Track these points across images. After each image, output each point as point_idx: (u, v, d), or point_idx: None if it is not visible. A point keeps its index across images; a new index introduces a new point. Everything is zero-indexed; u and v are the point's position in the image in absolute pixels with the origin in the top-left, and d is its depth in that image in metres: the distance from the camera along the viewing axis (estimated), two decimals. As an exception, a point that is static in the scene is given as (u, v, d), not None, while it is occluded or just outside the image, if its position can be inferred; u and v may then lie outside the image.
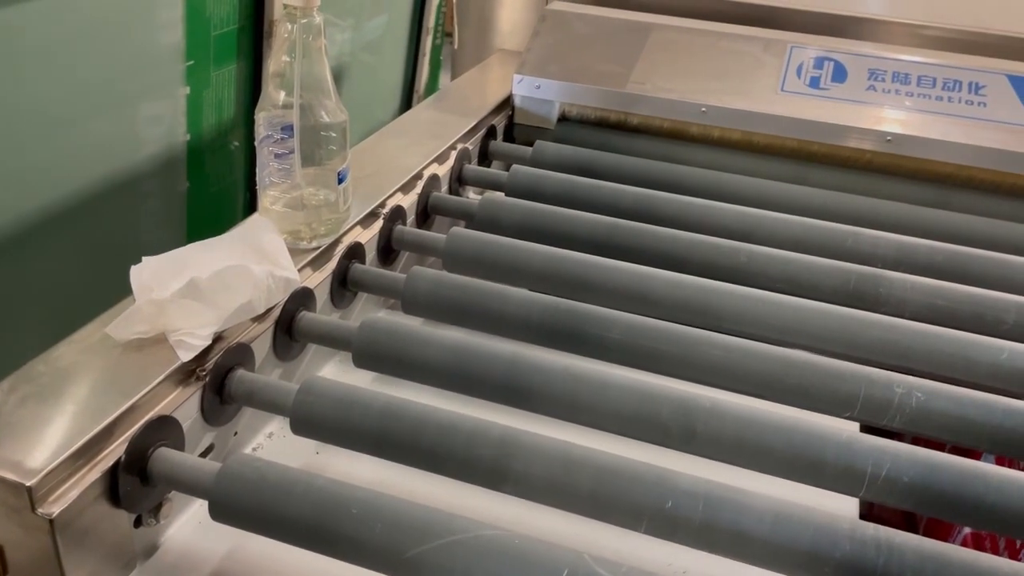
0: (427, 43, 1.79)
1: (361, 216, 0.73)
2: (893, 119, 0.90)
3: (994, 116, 0.88)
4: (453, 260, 0.74)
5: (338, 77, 1.42)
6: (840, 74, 0.94)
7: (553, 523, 0.53)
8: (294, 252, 0.64)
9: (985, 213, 0.85)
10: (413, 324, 0.63)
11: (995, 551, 0.80)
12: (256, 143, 0.65)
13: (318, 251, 0.67)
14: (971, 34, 1.00)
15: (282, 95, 0.63)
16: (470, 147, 0.93)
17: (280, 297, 0.60)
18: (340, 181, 0.67)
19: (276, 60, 0.62)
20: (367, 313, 0.75)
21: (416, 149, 0.86)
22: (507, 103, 1.03)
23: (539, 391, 0.58)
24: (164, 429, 0.50)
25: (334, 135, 0.66)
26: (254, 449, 0.61)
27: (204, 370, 0.53)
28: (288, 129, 0.63)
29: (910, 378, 0.59)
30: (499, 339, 0.65)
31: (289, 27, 0.61)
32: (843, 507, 0.57)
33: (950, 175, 0.88)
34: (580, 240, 0.78)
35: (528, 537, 0.44)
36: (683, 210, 0.83)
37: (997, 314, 0.69)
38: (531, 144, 0.96)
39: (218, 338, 0.55)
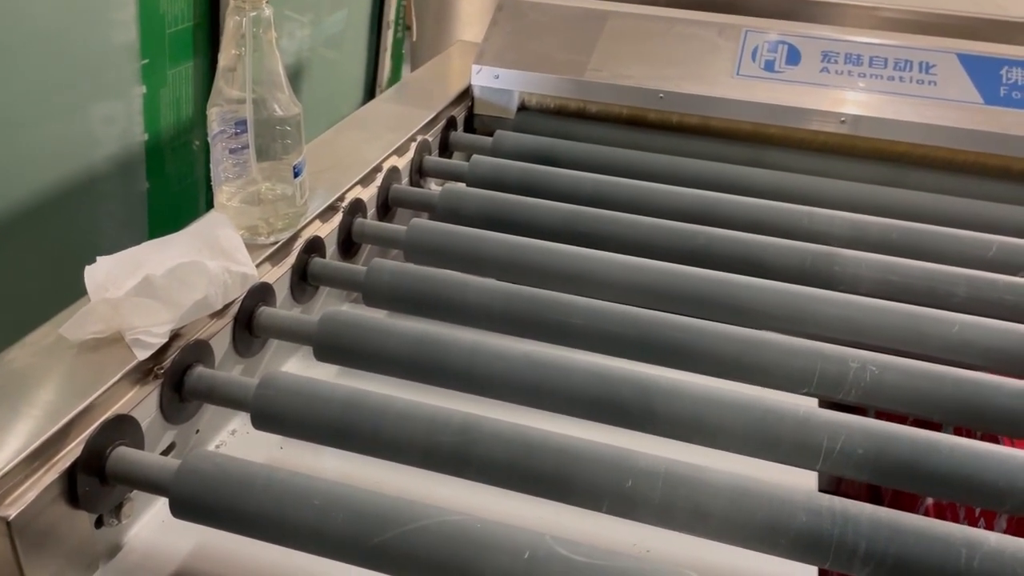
0: (388, 37, 1.78)
1: (320, 210, 0.73)
2: (846, 100, 0.91)
3: (945, 95, 0.90)
4: (414, 251, 0.74)
5: (299, 73, 1.42)
6: (794, 57, 0.95)
7: (516, 507, 0.53)
8: (252, 247, 0.64)
9: (938, 190, 0.86)
10: (374, 316, 0.63)
11: (955, 519, 0.82)
12: (209, 139, 0.64)
13: (276, 246, 0.66)
14: (922, 14, 1.01)
15: (234, 90, 0.62)
16: (430, 138, 0.93)
17: (238, 293, 0.59)
18: (296, 175, 0.67)
19: (226, 54, 0.62)
20: (329, 307, 0.75)
21: (375, 142, 0.86)
22: (466, 94, 1.03)
23: (501, 378, 0.58)
24: (122, 428, 0.50)
25: (289, 129, 0.65)
26: (217, 446, 0.61)
27: (162, 368, 0.53)
28: (242, 124, 0.63)
29: (864, 353, 0.60)
30: (461, 328, 0.65)
31: (238, 20, 0.61)
32: (802, 481, 0.58)
33: (903, 154, 0.90)
34: (541, 228, 0.79)
35: (490, 521, 0.45)
36: (642, 196, 0.84)
37: (949, 288, 0.71)
38: (491, 134, 0.96)
39: (175, 336, 0.55)
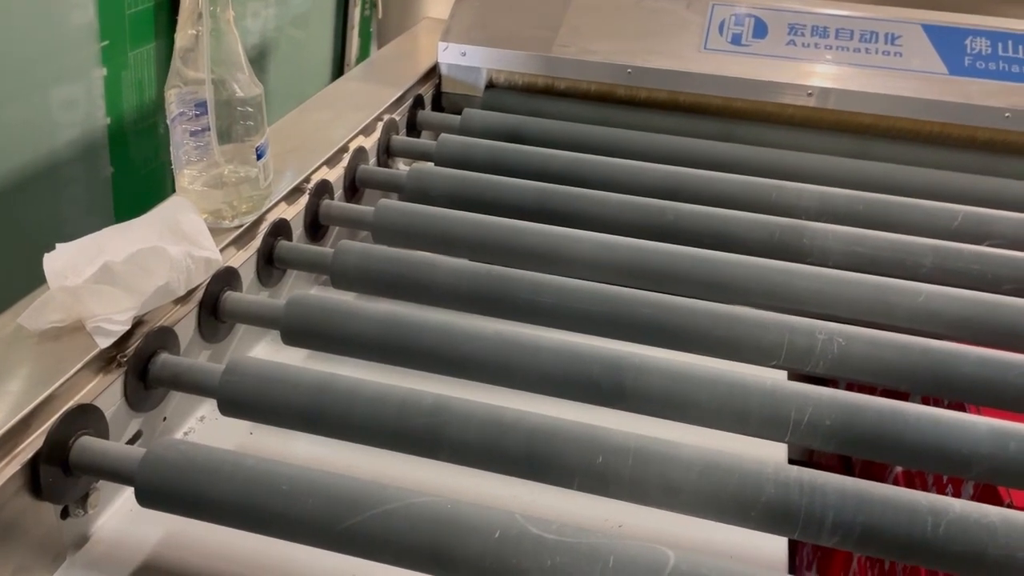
0: (355, 15, 1.75)
1: (286, 192, 0.72)
2: (813, 73, 0.91)
3: (910, 65, 0.90)
4: (382, 233, 0.73)
5: (266, 53, 1.39)
6: (761, 30, 0.95)
7: (490, 487, 0.53)
8: (216, 231, 0.63)
9: (904, 161, 0.87)
10: (342, 299, 0.62)
11: (924, 487, 0.83)
12: (169, 121, 0.63)
13: (241, 229, 0.65)
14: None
15: (192, 71, 0.61)
16: (397, 118, 0.92)
17: (201, 278, 0.58)
18: (259, 157, 0.66)
19: (183, 34, 0.61)
20: (297, 291, 0.74)
21: (341, 122, 0.85)
22: (434, 72, 1.02)
23: (471, 358, 0.58)
24: (85, 418, 0.49)
25: (250, 110, 0.64)
26: (185, 433, 0.60)
27: (125, 356, 0.52)
28: (202, 105, 0.62)
29: (831, 324, 0.60)
30: (431, 309, 0.65)
31: (195, 0, 0.60)
32: (772, 454, 0.58)
33: (870, 125, 0.90)
34: (510, 207, 0.78)
35: (460, 501, 0.45)
36: (611, 172, 0.83)
37: (915, 258, 0.71)
38: (460, 112, 0.95)
39: (139, 323, 0.54)
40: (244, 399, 0.53)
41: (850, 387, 0.87)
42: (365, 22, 1.79)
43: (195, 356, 0.60)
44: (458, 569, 0.43)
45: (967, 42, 0.91)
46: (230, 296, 0.61)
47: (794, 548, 1.13)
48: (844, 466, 1.08)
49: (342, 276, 0.67)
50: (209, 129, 0.62)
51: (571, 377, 0.56)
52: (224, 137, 0.64)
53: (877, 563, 0.88)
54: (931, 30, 0.92)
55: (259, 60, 1.38)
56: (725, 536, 0.51)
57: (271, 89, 1.32)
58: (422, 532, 0.43)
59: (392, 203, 0.75)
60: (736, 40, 0.95)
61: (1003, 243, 0.74)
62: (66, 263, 0.54)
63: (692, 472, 0.48)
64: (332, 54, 1.75)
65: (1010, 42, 0.90)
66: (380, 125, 0.88)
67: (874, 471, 0.93)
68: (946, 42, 0.91)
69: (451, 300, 0.65)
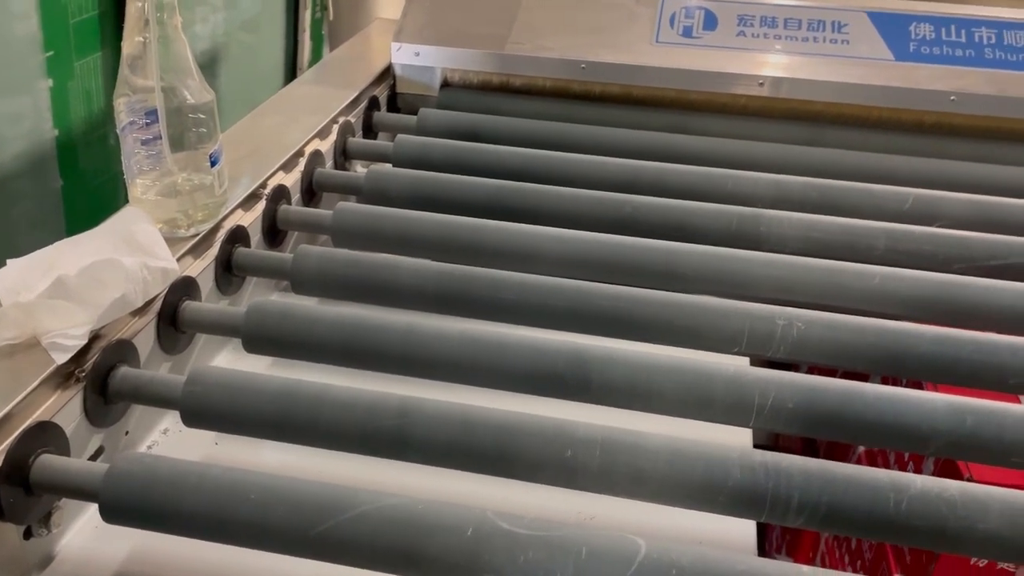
0: (306, 17, 1.74)
1: (242, 199, 0.71)
2: (763, 63, 0.93)
3: (857, 52, 0.92)
4: (342, 236, 0.73)
5: (217, 59, 1.38)
6: (711, 22, 0.96)
7: (461, 486, 0.53)
8: (172, 241, 0.62)
9: (856, 146, 0.88)
10: (303, 304, 0.62)
11: (887, 465, 0.85)
12: (119, 131, 0.62)
13: (198, 238, 0.65)
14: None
15: (140, 79, 0.60)
16: (353, 120, 0.91)
17: (159, 289, 0.58)
18: (213, 164, 0.65)
19: (130, 42, 0.60)
20: (258, 298, 0.73)
21: (295, 126, 0.84)
22: (388, 73, 1.01)
23: (436, 358, 0.58)
24: (45, 435, 0.48)
25: (202, 116, 0.63)
26: (149, 447, 0.59)
27: (83, 371, 0.51)
28: (152, 114, 0.61)
29: (791, 310, 0.61)
30: (394, 311, 0.65)
31: (140, 6, 0.59)
32: (738, 439, 0.59)
33: (821, 112, 0.92)
34: (469, 205, 0.78)
35: (431, 501, 0.45)
36: (569, 167, 0.84)
37: (868, 241, 0.73)
38: (416, 113, 0.95)
39: (96, 336, 0.53)
40: (207, 409, 0.53)
41: (812, 370, 0.88)
42: (316, 24, 1.77)
43: (156, 368, 0.59)
44: (432, 569, 0.43)
45: (912, 28, 0.93)
46: (189, 306, 0.60)
47: (763, 531, 1.15)
48: (809, 449, 1.09)
49: (302, 281, 0.66)
50: (160, 138, 0.61)
51: (537, 372, 0.57)
52: (176, 145, 0.63)
53: (844, 541, 0.90)
54: (876, 17, 0.94)
55: (210, 66, 1.36)
56: (696, 522, 0.52)
57: (223, 95, 1.31)
58: (394, 534, 0.43)
59: (351, 205, 0.74)
60: (687, 32, 0.96)
61: (952, 224, 0.76)
62: (17, 279, 0.52)
63: (659, 460, 0.48)
64: (284, 58, 1.74)
65: (953, 27, 0.93)
66: (336, 128, 0.87)
67: (838, 453, 0.94)
68: (891, 28, 0.93)
69: (414, 301, 0.65)
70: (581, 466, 0.49)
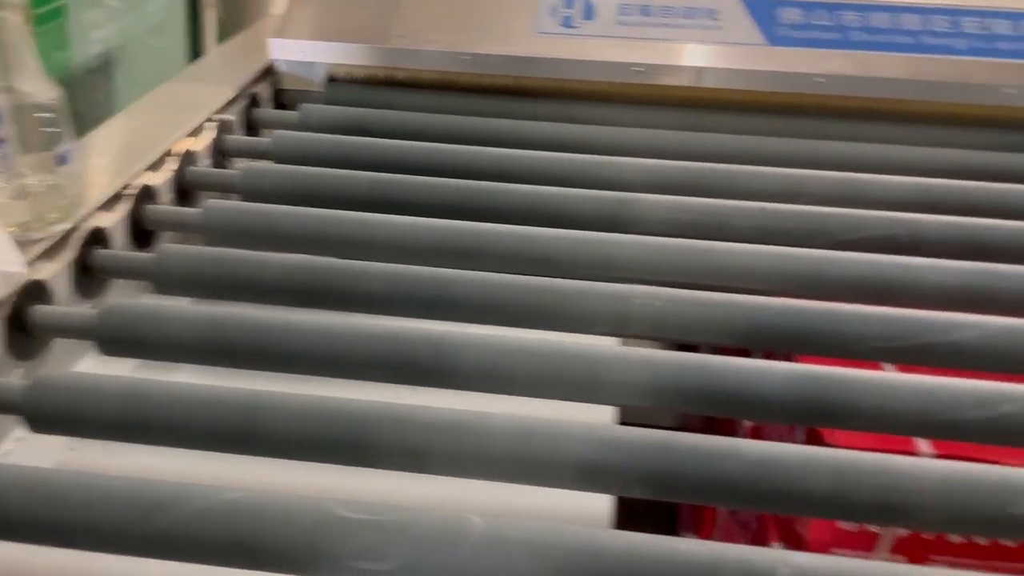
0: (208, 18, 1.71)
1: (105, 199, 0.69)
2: (641, 50, 0.94)
3: (730, 38, 0.94)
4: (213, 234, 0.72)
5: (120, 63, 1.34)
6: (589, 12, 0.97)
7: (318, 479, 0.53)
8: (23, 244, 0.60)
9: (730, 130, 0.91)
10: (161, 303, 0.61)
11: (769, 439, 0.88)
12: (-40, 133, 0.60)
13: (53, 241, 0.63)
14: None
15: (-23, 79, 0.58)
16: (232, 118, 0.90)
17: (4, 293, 0.56)
18: (65, 163, 0.63)
19: (-37, 41, 0.58)
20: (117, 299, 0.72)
21: (167, 124, 0.82)
22: (271, 70, 1.00)
23: (296, 351, 0.58)
24: None
25: (50, 115, 0.62)
26: (4, 455, 0.58)
27: (-85, 380, 0.50)
28: (-7, 115, 0.59)
29: (649, 288, 0.63)
30: (260, 307, 0.64)
31: (-28, 3, 0.57)
32: (600, 416, 0.60)
33: (696, 98, 0.94)
34: (349, 200, 0.78)
35: (272, 494, 0.44)
36: (449, 159, 0.84)
37: (734, 220, 0.75)
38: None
39: (-68, 344, 0.52)
40: (54, 415, 0.51)
41: (689, 348, 0.90)
42: (221, 26, 1.74)
43: (6, 375, 0.58)
44: (269, 560, 0.43)
45: (781, 12, 0.96)
46: (38, 310, 0.58)
47: (675, 511, 1.17)
48: (709, 428, 1.12)
49: (166, 281, 0.65)
50: (4, 140, 0.60)
51: (395, 361, 0.57)
52: (25, 146, 0.61)
53: (735, 514, 0.92)
54: (748, 3, 0.96)
55: (114, 69, 1.32)
56: (551, 500, 0.53)
57: (125, 101, 1.27)
58: (232, 527, 0.43)
59: (222, 203, 0.73)
60: (567, 23, 0.97)
61: (814, 201, 0.78)
62: None
63: (507, 441, 0.49)
64: (188, 60, 1.71)
65: (820, 11, 0.96)
66: (213, 126, 0.86)
67: (726, 428, 0.97)
68: (762, 13, 0.95)
69: (283, 296, 0.65)
70: (430, 450, 0.49)
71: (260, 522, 0.43)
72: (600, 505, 0.54)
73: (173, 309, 0.59)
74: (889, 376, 0.53)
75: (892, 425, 0.52)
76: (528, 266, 0.70)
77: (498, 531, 0.42)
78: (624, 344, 0.62)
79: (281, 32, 0.99)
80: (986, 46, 0.91)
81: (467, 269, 0.66)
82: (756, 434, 0.91)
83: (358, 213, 0.72)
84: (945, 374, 0.56)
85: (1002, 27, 0.92)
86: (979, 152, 0.84)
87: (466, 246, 0.70)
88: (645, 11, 0.97)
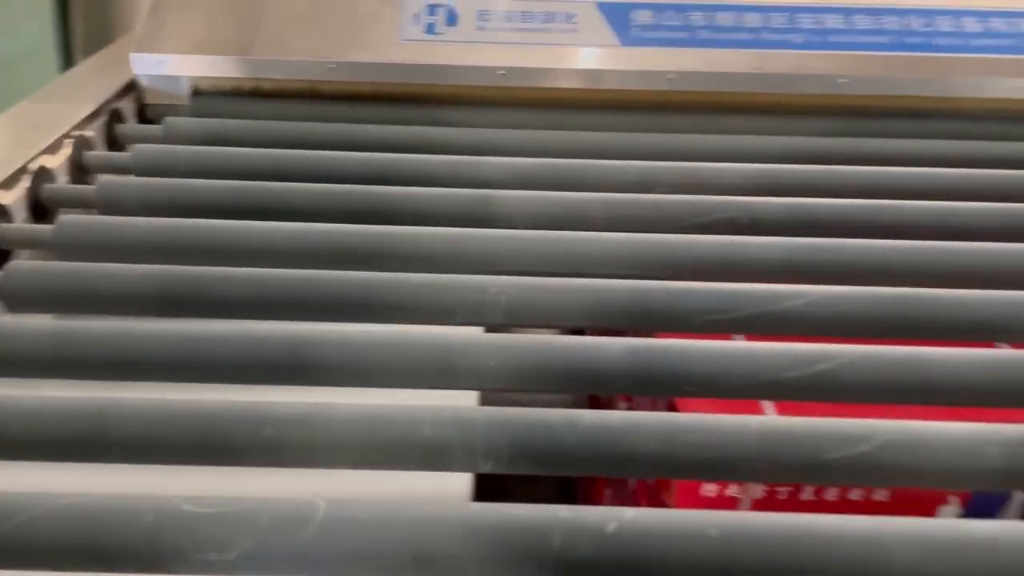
0: (78, 36, 1.67)
1: (-51, 220, 0.68)
2: (503, 55, 0.98)
3: (586, 41, 0.98)
4: (68, 250, 0.71)
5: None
6: (452, 18, 1.00)
7: (170, 481, 0.53)
8: None
9: (589, 127, 0.94)
10: (13, 320, 0.60)
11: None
12: None
13: None
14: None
15: None
16: (92, 134, 0.89)
17: None
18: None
19: None
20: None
21: (21, 143, 0.81)
22: (134, 85, 0.99)
23: (154, 359, 0.58)
24: None
25: None
26: None
27: None
28: None
29: (503, 278, 0.65)
30: (117, 319, 0.64)
31: None
32: (463, 401, 0.62)
33: (557, 98, 0.98)
34: (212, 209, 0.78)
35: (113, 495, 0.45)
36: (317, 164, 0.85)
37: (589, 212, 0.78)
38: (165, 123, 0.93)
39: None
40: None
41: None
42: (87, 45, 1.70)
43: None
44: (112, 561, 0.43)
45: (633, 15, 1.00)
46: None
47: (569, 484, 1.19)
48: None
49: (16, 298, 0.64)
50: None
51: (254, 362, 0.58)
52: None
53: (614, 487, 0.95)
54: (603, 7, 1.01)
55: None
56: (413, 482, 0.55)
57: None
58: (72, 530, 0.43)
59: (75, 218, 0.72)
60: (430, 29, 0.99)
61: (669, 190, 0.83)
62: None
63: (355, 428, 0.51)
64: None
65: (670, 12, 1.01)
66: (71, 143, 0.85)
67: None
68: (616, 16, 1.00)
69: (136, 307, 0.65)
70: (282, 443, 0.50)
71: (101, 523, 0.43)
72: (458, 486, 0.56)
73: (18, 324, 0.58)
74: (716, 344, 0.57)
75: (721, 389, 0.56)
76: (392, 264, 0.71)
77: (344, 511, 0.44)
78: (487, 331, 0.65)
79: (142, 46, 0.98)
80: (820, 40, 0.98)
81: (338, 268, 0.67)
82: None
83: (218, 220, 0.72)
84: (777, 339, 0.61)
85: (834, 21, 0.99)
86: (813, 138, 0.90)
87: (329, 247, 0.72)
88: (506, 17, 1.00)
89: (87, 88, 0.96)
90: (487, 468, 0.51)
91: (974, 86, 0.95)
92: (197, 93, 1.00)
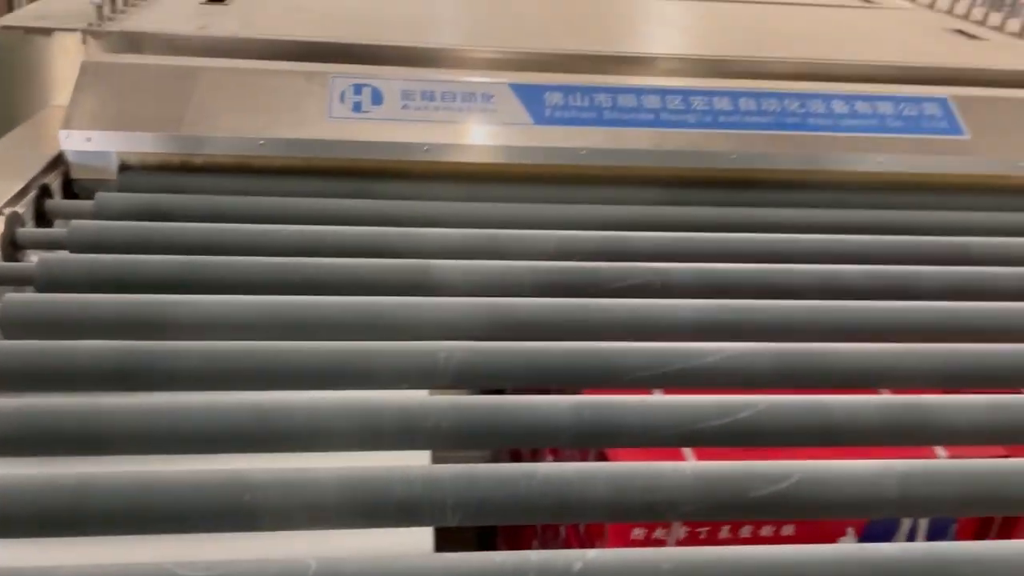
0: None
1: None
2: (426, 132, 1.04)
3: (503, 120, 1.06)
4: (12, 330, 0.72)
5: None
6: (378, 98, 1.06)
7: (151, 550, 0.55)
8: None
9: (510, 199, 1.02)
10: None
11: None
12: None
13: None
14: (480, 51, 1.19)
15: None
16: (21, 210, 0.89)
17: None
18: None
19: None
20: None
21: (-49, 222, 0.81)
22: (60, 160, 1.00)
23: (119, 433, 0.60)
24: None
25: None
26: None
27: None
28: None
29: (451, 344, 0.71)
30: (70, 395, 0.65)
31: None
32: (417, 460, 0.67)
33: (476, 173, 1.05)
34: (153, 284, 0.80)
35: (108, 566, 0.47)
36: (252, 238, 0.88)
37: (519, 280, 0.84)
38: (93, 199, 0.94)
39: None
40: None
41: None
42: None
43: None
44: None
45: (546, 96, 1.09)
46: None
47: (492, 538, 1.23)
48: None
49: (-33, 378, 0.65)
50: None
51: (217, 429, 0.60)
52: None
53: (546, 531, 1.01)
54: (517, 89, 1.09)
55: None
56: (379, 539, 0.58)
57: None
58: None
59: (19, 296, 0.73)
60: (357, 108, 1.05)
61: (586, 257, 0.90)
62: None
63: (330, 491, 0.54)
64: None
65: (578, 94, 1.10)
66: (1, 219, 0.85)
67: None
68: (530, 97, 1.09)
69: (95, 383, 0.66)
70: (259, 508, 0.53)
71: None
72: (422, 539, 0.60)
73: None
74: (648, 398, 0.64)
75: (652, 439, 0.63)
76: (342, 333, 0.75)
77: (333, 568, 0.48)
78: (433, 394, 0.70)
79: (70, 123, 0.99)
80: (712, 120, 1.10)
81: (276, 339, 0.70)
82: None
83: (169, 296, 0.75)
84: (698, 392, 0.68)
85: (723, 104, 1.11)
86: (709, 208, 1.00)
87: (277, 319, 0.75)
88: (428, 96, 1.07)
89: (12, 164, 0.96)
90: (455, 521, 0.55)
91: (843, 161, 1.09)
92: (125, 168, 1.01)
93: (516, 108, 1.07)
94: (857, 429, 0.62)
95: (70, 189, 1.01)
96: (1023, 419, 0.65)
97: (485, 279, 0.85)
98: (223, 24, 1.20)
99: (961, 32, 1.43)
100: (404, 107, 1.06)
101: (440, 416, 0.62)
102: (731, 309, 0.77)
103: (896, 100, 1.11)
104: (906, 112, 1.10)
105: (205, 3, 1.31)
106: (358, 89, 1.06)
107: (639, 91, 1.11)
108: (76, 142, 0.99)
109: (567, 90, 1.10)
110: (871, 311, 0.80)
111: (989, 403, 0.65)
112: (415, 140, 1.04)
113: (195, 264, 0.82)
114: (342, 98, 1.06)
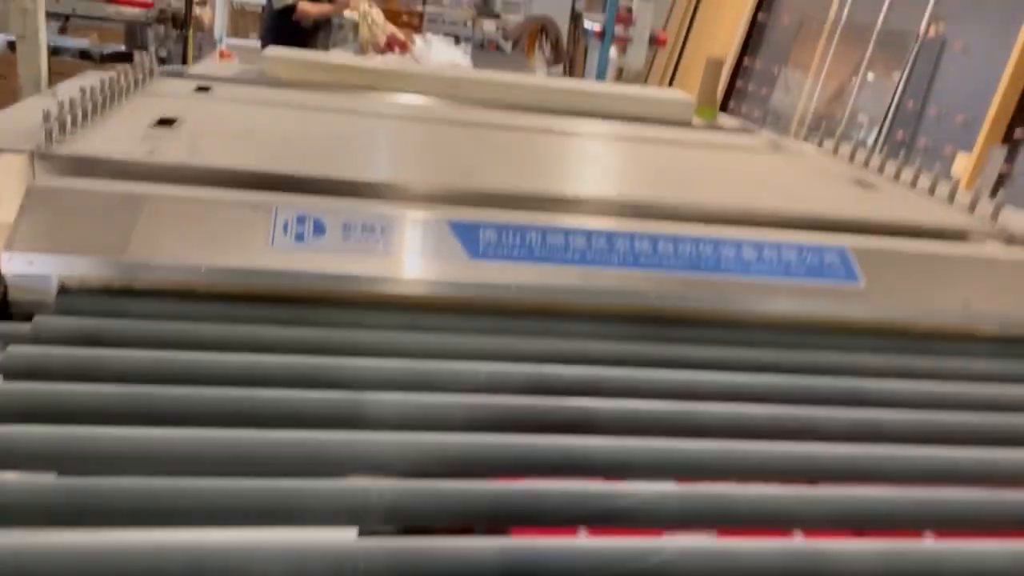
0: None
1: None
2: (365, 263, 1.09)
3: (440, 254, 1.12)
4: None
5: None
6: (320, 229, 1.11)
7: None
8: None
9: (441, 329, 1.07)
10: None
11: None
12: None
13: None
14: (424, 188, 1.26)
15: None
16: (-43, 333, 0.90)
17: None
18: None
19: None
20: None
21: None
22: (-1, 281, 1.01)
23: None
24: None
25: None
26: None
27: None
28: None
29: (383, 482, 0.74)
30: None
31: None
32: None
33: (416, 304, 1.10)
34: (92, 415, 0.81)
35: None
36: (190, 369, 0.91)
37: (450, 415, 0.89)
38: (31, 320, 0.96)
39: None
40: None
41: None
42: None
43: None
44: None
45: (481, 233, 1.16)
46: None
47: None
48: None
49: None
50: None
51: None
52: None
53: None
54: (454, 226, 1.16)
55: None
56: None
57: None
58: None
59: (-48, 428, 0.74)
60: (299, 238, 1.10)
61: (516, 390, 0.95)
62: None
63: None
64: None
65: (511, 232, 1.17)
66: (-64, 343, 0.85)
67: None
68: (466, 235, 1.15)
69: (23, 519, 0.67)
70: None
71: None
72: None
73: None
74: (572, 541, 0.68)
75: (576, 579, 0.66)
76: (271, 469, 0.78)
77: None
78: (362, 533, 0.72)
79: (10, 245, 1.01)
80: (633, 260, 1.18)
81: (205, 476, 0.73)
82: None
83: (106, 429, 0.76)
84: (623, 533, 0.73)
85: (643, 246, 1.20)
86: (631, 343, 1.07)
87: (212, 455, 0.77)
88: (368, 229, 1.13)
89: (-52, 285, 0.97)
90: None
91: (750, 302, 1.18)
92: (64, 291, 1.03)
93: (453, 244, 1.14)
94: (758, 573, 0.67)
95: (8, 311, 1.02)
96: (917, 567, 0.71)
97: (417, 412, 0.89)
98: (170, 149, 1.25)
99: (860, 182, 1.57)
100: (345, 239, 1.11)
101: (368, 558, 0.65)
102: (651, 450, 0.82)
103: (800, 248, 1.21)
104: (809, 259, 1.20)
105: (154, 126, 1.36)
106: (301, 220, 1.11)
107: (567, 231, 1.18)
108: (17, 265, 1.00)
109: (500, 228, 1.17)
110: (788, 456, 0.86)
111: (882, 551, 0.71)
112: (354, 272, 1.09)
113: (129, 395, 0.84)
114: (285, 228, 1.10)
